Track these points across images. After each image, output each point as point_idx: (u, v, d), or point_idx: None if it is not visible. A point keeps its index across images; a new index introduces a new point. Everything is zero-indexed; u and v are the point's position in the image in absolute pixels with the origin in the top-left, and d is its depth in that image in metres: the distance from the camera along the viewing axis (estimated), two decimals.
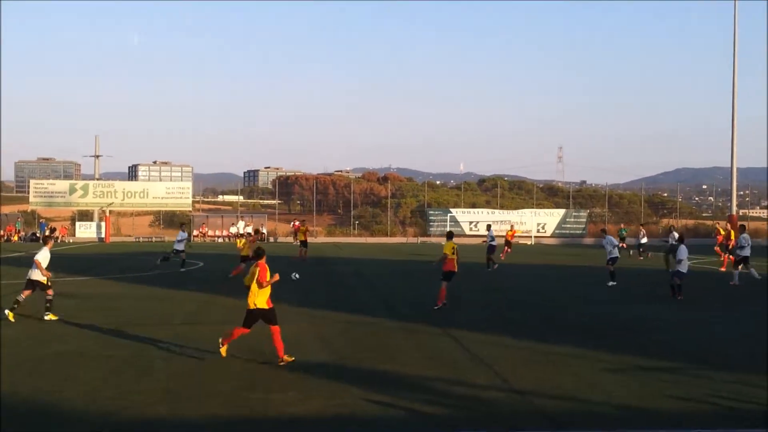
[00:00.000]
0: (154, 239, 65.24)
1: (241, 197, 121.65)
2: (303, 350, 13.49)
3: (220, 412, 9.49)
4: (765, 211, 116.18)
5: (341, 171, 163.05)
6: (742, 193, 79.04)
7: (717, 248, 37.56)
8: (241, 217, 67.11)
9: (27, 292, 17.05)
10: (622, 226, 52.32)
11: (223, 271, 30.11)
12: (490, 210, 72.25)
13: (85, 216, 69.12)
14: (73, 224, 67.09)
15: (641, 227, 44.33)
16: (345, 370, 11.93)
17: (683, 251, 21.79)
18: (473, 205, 76.98)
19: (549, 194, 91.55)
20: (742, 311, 19.64)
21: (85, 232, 64.33)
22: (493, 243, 34.40)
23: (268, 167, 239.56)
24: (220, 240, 65.17)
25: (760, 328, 16.83)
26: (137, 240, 64.12)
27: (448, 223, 66.67)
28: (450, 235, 20.50)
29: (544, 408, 9.87)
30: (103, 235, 63.32)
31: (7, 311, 16.75)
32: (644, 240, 41.54)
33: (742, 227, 29.10)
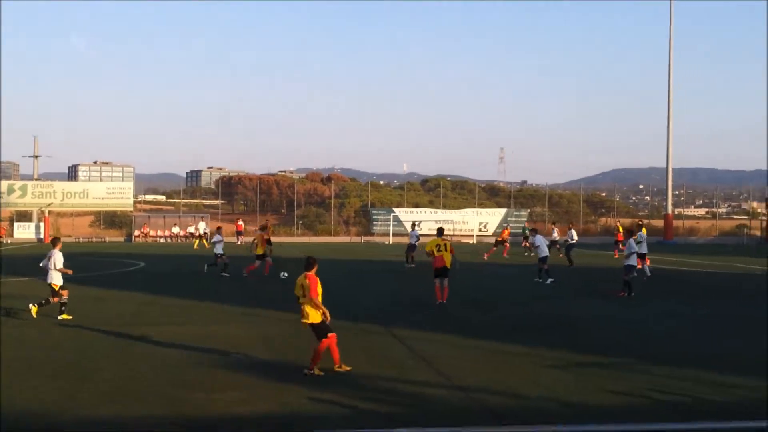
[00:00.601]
0: (94, 239, 64.24)
1: (162, 197, 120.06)
2: (248, 350, 13.51)
3: (165, 413, 9.48)
4: (699, 210, 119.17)
5: (285, 171, 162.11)
6: (677, 192, 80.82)
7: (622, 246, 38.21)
8: (202, 217, 66.19)
9: (56, 299, 17.38)
10: (525, 224, 52.34)
11: (164, 271, 29.86)
12: (433, 210, 72.66)
13: (24, 217, 67.66)
14: (12, 225, 65.65)
15: (552, 226, 44.63)
16: (290, 369, 11.97)
17: (631, 245, 22.36)
18: (416, 205, 77.33)
19: (491, 194, 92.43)
20: (677, 307, 20.14)
21: (24, 232, 63.02)
22: (414, 242, 35.05)
23: (211, 167, 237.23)
24: (162, 240, 64.44)
25: (694, 324, 17.32)
26: (77, 240, 63.04)
27: (392, 223, 66.95)
28: (439, 232, 20.43)
29: (486, 404, 10.05)
30: (42, 236, 62.10)
31: (32, 305, 17.31)
32: (557, 237, 41.62)
33: (639, 225, 30.23)
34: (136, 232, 64.49)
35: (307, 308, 11.77)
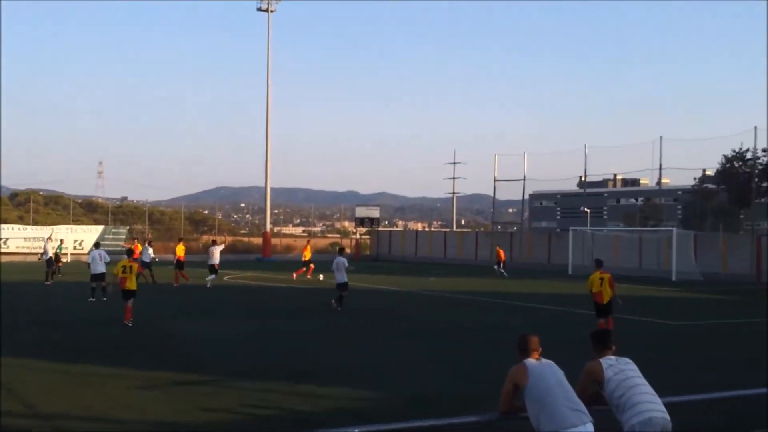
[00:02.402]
0: None
1: None
2: None
3: None
4: (297, 228, 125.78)
5: None
6: (276, 211, 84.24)
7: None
8: None
9: None
10: (61, 242, 48.20)
11: None
12: (22, 226, 67.98)
13: None
14: None
15: (146, 244, 42.73)
16: None
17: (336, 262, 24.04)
18: (5, 221, 71.77)
19: (88, 210, 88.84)
20: (270, 323, 20.83)
21: None
22: (48, 257, 34.45)
23: None
24: None
25: (286, 339, 18.06)
26: None
27: None
28: (127, 253, 21.99)
29: None
30: None
31: None
32: (152, 255, 39.01)
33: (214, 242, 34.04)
34: None
35: None
